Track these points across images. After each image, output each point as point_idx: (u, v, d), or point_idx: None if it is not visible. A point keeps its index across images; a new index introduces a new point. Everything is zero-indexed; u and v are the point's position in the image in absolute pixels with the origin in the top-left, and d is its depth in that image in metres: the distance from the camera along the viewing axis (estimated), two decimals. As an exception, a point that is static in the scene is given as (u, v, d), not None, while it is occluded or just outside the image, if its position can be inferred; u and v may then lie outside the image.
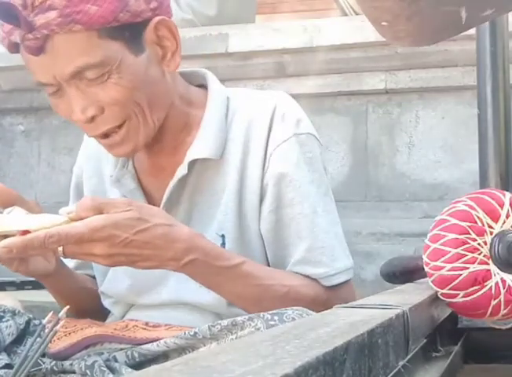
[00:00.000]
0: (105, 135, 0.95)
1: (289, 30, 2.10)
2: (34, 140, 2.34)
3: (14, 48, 0.94)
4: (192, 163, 1.00)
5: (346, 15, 2.14)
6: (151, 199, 1.04)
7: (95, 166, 1.13)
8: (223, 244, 0.99)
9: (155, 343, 0.85)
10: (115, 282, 1.06)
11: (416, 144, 2.01)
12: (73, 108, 0.93)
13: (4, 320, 0.94)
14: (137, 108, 0.94)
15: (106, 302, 1.10)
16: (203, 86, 1.06)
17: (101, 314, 1.09)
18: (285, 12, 4.50)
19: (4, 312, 0.96)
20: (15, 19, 0.87)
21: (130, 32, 0.92)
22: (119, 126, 0.94)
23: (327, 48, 2.00)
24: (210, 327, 0.80)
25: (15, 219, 0.84)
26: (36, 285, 1.50)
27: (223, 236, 1.00)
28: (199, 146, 1.00)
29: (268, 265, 1.02)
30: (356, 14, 2.12)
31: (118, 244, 0.82)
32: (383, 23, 0.67)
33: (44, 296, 1.41)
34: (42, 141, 2.31)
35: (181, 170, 1.00)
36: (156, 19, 0.94)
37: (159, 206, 1.01)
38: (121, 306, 1.07)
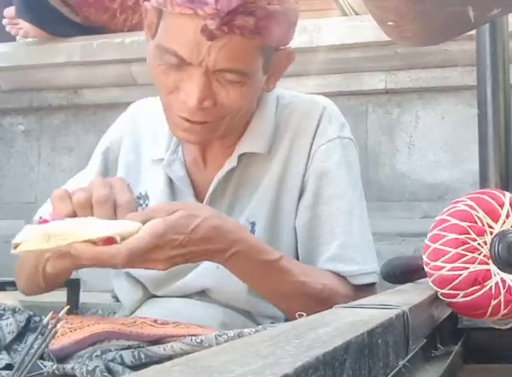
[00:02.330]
0: (190, 121, 0.96)
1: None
2: (34, 140, 2.34)
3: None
4: (240, 157, 1.05)
5: (346, 15, 2.14)
6: (197, 189, 1.07)
7: (135, 143, 1.14)
8: (252, 231, 1.01)
9: (161, 347, 0.85)
10: (164, 286, 1.07)
11: (416, 144, 2.01)
12: (192, 93, 0.93)
13: (4, 317, 0.94)
14: (235, 113, 0.98)
15: (124, 288, 1.10)
16: None
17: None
18: (285, 12, 4.49)
19: (4, 310, 0.96)
20: (229, 12, 0.89)
21: (270, 53, 0.99)
22: (207, 124, 0.97)
23: (327, 48, 2.00)
24: (216, 336, 0.81)
25: (92, 224, 0.81)
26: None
27: (253, 223, 1.03)
28: (249, 140, 1.05)
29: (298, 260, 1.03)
30: (356, 14, 2.12)
31: (177, 246, 0.83)
32: (389, 23, 0.67)
33: (44, 296, 1.41)
34: (42, 141, 2.31)
35: (231, 163, 1.04)
36: (289, 50, 1.03)
37: (204, 196, 1.05)
38: (141, 293, 1.08)
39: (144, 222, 0.82)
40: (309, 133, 1.06)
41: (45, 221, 0.81)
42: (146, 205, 1.09)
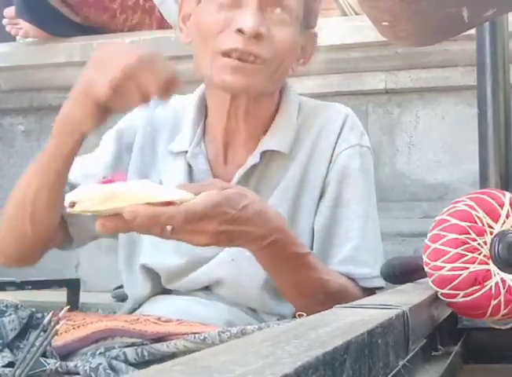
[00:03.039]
0: (240, 58, 0.99)
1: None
2: (34, 140, 2.34)
3: None
4: (263, 154, 1.07)
5: (346, 15, 2.14)
6: None
7: (151, 134, 1.15)
8: None
9: (165, 344, 0.85)
10: (162, 258, 1.07)
11: (416, 144, 2.01)
12: (249, 19, 0.98)
13: (6, 314, 0.94)
14: (279, 64, 1.02)
15: (135, 282, 1.10)
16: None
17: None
18: (285, 12, 4.49)
19: (6, 306, 0.96)
20: None
21: (305, 22, 1.06)
22: (257, 61, 1.00)
23: (327, 48, 1.99)
24: (219, 333, 0.81)
25: (150, 189, 0.79)
26: (36, 285, 1.50)
27: None
28: (273, 138, 1.08)
29: None
30: (356, 14, 2.11)
31: (227, 221, 0.83)
32: (384, 23, 0.67)
33: (44, 296, 1.41)
34: (42, 141, 2.31)
35: (254, 159, 1.06)
36: (315, 31, 1.11)
37: None
38: (150, 287, 1.08)
39: (196, 194, 0.81)
40: (332, 138, 1.10)
41: (110, 182, 0.78)
42: None
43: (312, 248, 1.06)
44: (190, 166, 1.09)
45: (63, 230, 1.07)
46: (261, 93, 1.04)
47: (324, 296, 0.95)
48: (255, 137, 1.08)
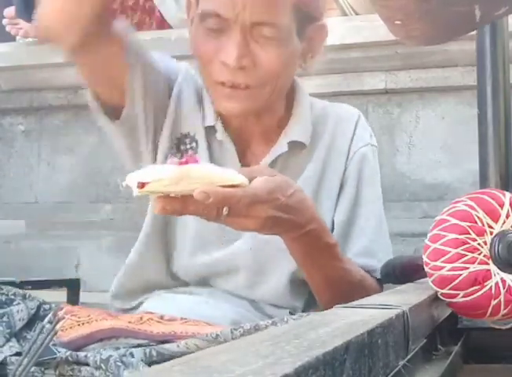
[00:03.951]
0: (232, 86, 0.98)
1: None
2: (34, 140, 2.34)
3: None
4: (288, 144, 1.08)
5: (346, 15, 2.14)
6: None
7: (190, 91, 1.13)
8: None
9: (174, 344, 0.84)
10: (190, 259, 1.08)
11: (416, 144, 2.01)
12: (231, 52, 0.96)
13: (15, 303, 0.94)
14: (274, 83, 1.00)
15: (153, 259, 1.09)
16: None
17: None
18: (285, 12, 4.49)
19: (14, 294, 0.95)
20: None
21: (304, 22, 1.02)
22: (250, 87, 0.99)
23: (327, 48, 1.99)
24: (232, 330, 0.80)
25: (216, 172, 0.79)
26: (36, 285, 1.50)
27: None
28: (296, 129, 1.09)
29: None
30: (356, 14, 2.11)
31: (276, 207, 0.84)
32: (396, 22, 0.67)
33: (44, 296, 1.41)
34: (42, 141, 2.31)
35: (281, 148, 1.08)
36: (323, 22, 1.08)
37: None
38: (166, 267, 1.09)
39: (249, 179, 0.82)
40: (348, 135, 1.12)
41: (185, 163, 0.77)
42: (191, 148, 1.09)
43: None
44: (209, 143, 1.09)
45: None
46: (264, 109, 1.05)
47: (348, 286, 0.98)
48: (272, 128, 1.09)
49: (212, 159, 1.08)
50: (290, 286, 1.06)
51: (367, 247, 1.08)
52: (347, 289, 0.96)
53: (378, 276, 1.07)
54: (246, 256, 1.05)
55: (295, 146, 1.09)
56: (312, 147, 1.10)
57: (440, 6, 0.64)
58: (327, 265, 0.97)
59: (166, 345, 0.84)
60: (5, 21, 2.28)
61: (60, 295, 1.46)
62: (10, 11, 2.25)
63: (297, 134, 1.09)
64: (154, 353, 0.85)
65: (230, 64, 0.96)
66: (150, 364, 0.85)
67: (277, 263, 1.03)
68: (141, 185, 0.74)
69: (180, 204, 0.77)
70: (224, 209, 0.78)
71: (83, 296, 1.52)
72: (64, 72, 2.24)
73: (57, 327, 0.79)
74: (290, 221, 0.88)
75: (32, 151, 2.32)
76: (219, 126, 1.08)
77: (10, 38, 2.38)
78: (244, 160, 1.09)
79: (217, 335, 0.80)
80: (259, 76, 0.98)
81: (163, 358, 0.85)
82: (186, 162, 0.77)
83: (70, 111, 2.31)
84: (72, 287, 1.46)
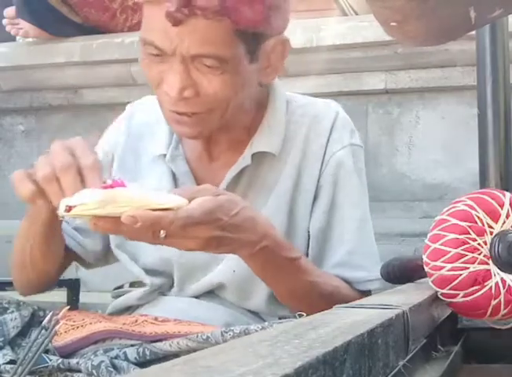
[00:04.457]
0: (179, 113, 0.96)
1: (289, 30, 2.10)
2: (34, 140, 2.34)
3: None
4: (253, 156, 1.04)
5: (346, 15, 2.14)
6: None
7: (133, 143, 1.13)
8: None
9: (167, 343, 0.84)
10: (161, 260, 1.07)
11: (416, 144, 2.01)
12: (172, 83, 0.93)
13: (9, 311, 0.94)
14: (225, 106, 0.96)
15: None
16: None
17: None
18: (285, 12, 4.49)
19: (9, 303, 0.95)
20: None
21: (255, 41, 0.95)
22: (197, 114, 0.96)
23: (327, 48, 2.00)
24: (222, 332, 0.81)
25: (145, 195, 0.79)
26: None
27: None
28: (263, 139, 1.05)
29: None
30: (356, 14, 2.11)
31: (218, 227, 0.83)
32: (392, 24, 0.67)
33: (44, 296, 1.41)
34: (42, 141, 2.31)
35: (244, 161, 1.04)
36: (281, 37, 1.00)
37: None
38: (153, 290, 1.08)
39: (189, 200, 0.81)
40: (323, 138, 1.07)
41: (110, 187, 0.78)
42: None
43: (308, 251, 1.05)
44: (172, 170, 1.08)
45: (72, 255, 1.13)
46: (221, 128, 1.01)
47: (318, 298, 0.95)
48: (242, 136, 1.06)
49: (177, 183, 1.07)
50: (277, 300, 1.04)
51: (347, 258, 1.04)
52: (315, 301, 0.93)
53: (364, 288, 1.04)
54: (230, 278, 1.03)
55: (263, 156, 1.05)
56: (285, 154, 1.06)
57: (436, 8, 0.64)
58: (288, 278, 0.95)
59: (159, 344, 0.85)
60: (5, 21, 2.28)
61: (60, 295, 1.46)
62: (10, 11, 2.25)
63: (263, 145, 1.04)
64: (147, 353, 0.85)
65: (172, 96, 0.94)
66: (144, 363, 0.85)
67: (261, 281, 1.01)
68: (68, 209, 0.76)
69: (111, 224, 0.77)
70: (161, 231, 0.78)
71: (83, 296, 1.52)
72: (64, 72, 2.24)
73: (53, 333, 0.79)
74: (238, 240, 0.87)
75: (32, 151, 2.32)
76: (169, 152, 1.07)
77: (10, 38, 2.38)
78: (208, 175, 1.06)
79: (208, 337, 0.81)
80: (204, 105, 0.95)
81: (157, 357, 0.85)
82: (111, 187, 0.78)
83: (70, 111, 2.31)
84: (72, 288, 1.46)
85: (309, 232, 1.05)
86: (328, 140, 1.07)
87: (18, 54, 2.31)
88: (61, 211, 0.77)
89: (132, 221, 0.75)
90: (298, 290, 0.96)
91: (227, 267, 1.03)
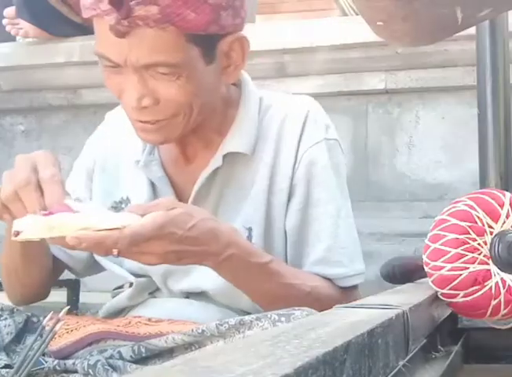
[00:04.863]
0: (143, 121, 0.96)
1: (289, 30, 2.10)
2: (34, 140, 2.34)
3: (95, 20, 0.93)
4: (225, 157, 1.03)
5: (346, 15, 2.14)
6: (178, 189, 1.07)
7: (114, 152, 1.14)
8: (249, 237, 1.01)
9: (162, 339, 0.84)
10: (139, 264, 1.07)
11: (416, 144, 2.01)
12: (130, 93, 0.93)
13: (2, 318, 0.94)
14: (188, 110, 0.96)
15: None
16: (236, 84, 1.09)
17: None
18: (285, 12, 4.50)
19: (2, 309, 0.95)
20: (119, 2, 0.87)
21: (210, 42, 0.95)
22: (160, 120, 0.96)
23: (327, 48, 2.00)
24: (217, 325, 0.81)
25: (95, 216, 0.82)
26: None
27: (250, 229, 1.03)
28: (234, 140, 1.04)
29: (286, 263, 1.03)
30: (357, 14, 2.11)
31: (174, 242, 0.83)
32: (378, 23, 0.67)
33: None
34: (42, 141, 2.31)
35: (215, 162, 1.03)
36: (237, 35, 0.97)
37: (187, 196, 1.04)
38: (140, 291, 1.09)
39: (143, 216, 0.82)
40: (295, 136, 1.05)
41: (50, 214, 0.80)
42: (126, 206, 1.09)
43: (286, 251, 1.05)
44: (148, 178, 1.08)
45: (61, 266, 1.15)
46: (193, 130, 1.01)
47: (296, 299, 0.93)
48: (214, 136, 1.05)
49: (155, 188, 1.07)
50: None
51: (324, 254, 1.03)
52: (292, 303, 0.90)
53: (345, 284, 1.03)
54: (214, 282, 1.03)
55: (236, 156, 1.04)
56: (258, 155, 1.05)
57: (422, 8, 0.64)
58: (261, 283, 0.95)
59: (154, 341, 0.85)
60: (5, 21, 2.28)
61: (60, 295, 1.46)
62: (10, 11, 2.25)
63: (234, 146, 1.03)
64: (143, 350, 0.85)
65: (132, 107, 0.94)
66: (139, 360, 0.85)
67: None
68: (16, 233, 0.79)
69: (63, 243, 0.80)
70: (114, 249, 0.80)
71: (83, 296, 1.52)
72: (64, 72, 2.24)
73: (53, 333, 0.80)
74: (200, 252, 0.87)
75: (32, 151, 2.31)
76: (143, 158, 1.06)
77: (10, 38, 2.38)
78: (184, 178, 1.06)
79: (203, 330, 0.81)
80: (165, 111, 0.94)
81: (153, 354, 0.85)
82: (51, 213, 0.80)
83: (70, 111, 2.31)
84: (72, 288, 1.46)
85: (285, 231, 1.05)
86: (300, 137, 1.05)
87: (18, 54, 2.31)
88: (12, 235, 0.80)
89: (76, 243, 0.78)
90: (271, 293, 0.96)
91: (206, 271, 1.02)
